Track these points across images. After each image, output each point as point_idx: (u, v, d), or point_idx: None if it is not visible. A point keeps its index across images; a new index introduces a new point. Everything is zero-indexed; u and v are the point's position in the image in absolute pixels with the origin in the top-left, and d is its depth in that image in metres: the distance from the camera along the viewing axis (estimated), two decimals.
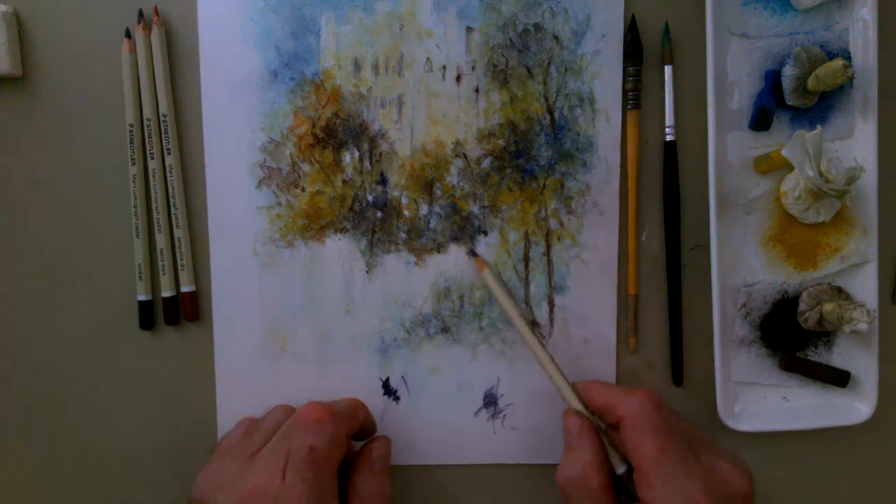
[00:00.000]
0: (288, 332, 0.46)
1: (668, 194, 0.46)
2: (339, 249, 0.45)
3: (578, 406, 0.42)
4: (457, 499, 0.47)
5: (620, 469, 0.40)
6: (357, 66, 0.45)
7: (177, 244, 0.45)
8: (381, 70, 0.45)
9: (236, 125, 0.45)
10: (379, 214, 0.45)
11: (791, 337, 0.46)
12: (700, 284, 0.46)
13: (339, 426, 0.40)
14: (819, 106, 0.45)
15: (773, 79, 0.44)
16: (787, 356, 0.46)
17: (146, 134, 0.44)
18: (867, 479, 0.48)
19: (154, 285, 0.45)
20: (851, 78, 0.42)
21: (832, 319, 0.44)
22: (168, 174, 0.44)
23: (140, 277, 0.45)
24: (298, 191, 0.45)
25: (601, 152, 0.45)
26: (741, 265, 0.45)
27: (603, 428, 0.41)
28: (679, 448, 0.38)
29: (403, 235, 0.45)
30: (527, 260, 0.46)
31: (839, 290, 0.45)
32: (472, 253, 0.45)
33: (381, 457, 0.43)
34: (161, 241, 0.45)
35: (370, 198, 0.45)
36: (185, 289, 0.45)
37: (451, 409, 0.46)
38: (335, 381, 0.46)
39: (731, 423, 0.45)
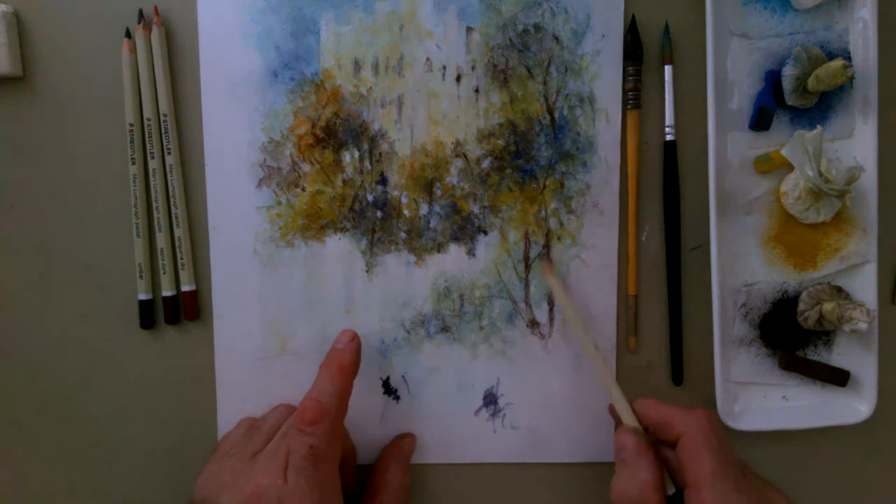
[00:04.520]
0: (288, 332, 0.46)
1: (668, 194, 0.46)
2: (339, 249, 0.45)
3: (633, 421, 0.42)
4: (457, 498, 0.47)
5: (671, 490, 0.40)
6: (357, 66, 0.45)
7: (177, 243, 0.45)
8: (381, 70, 0.45)
9: (236, 125, 0.45)
10: (379, 214, 0.45)
11: (791, 336, 0.46)
12: (700, 284, 0.46)
13: (336, 418, 0.40)
14: (819, 106, 0.45)
15: (773, 79, 0.44)
16: (786, 355, 0.46)
17: (146, 134, 0.44)
18: (867, 478, 0.49)
19: (154, 284, 0.45)
20: (851, 78, 0.42)
21: (832, 319, 0.44)
22: (168, 174, 0.44)
23: (140, 277, 0.45)
24: (298, 190, 0.45)
25: (601, 152, 0.45)
26: (741, 265, 0.45)
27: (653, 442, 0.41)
28: (734, 471, 0.38)
29: (403, 235, 0.45)
30: (527, 260, 0.46)
31: (839, 289, 0.45)
32: (544, 257, 0.45)
33: (409, 452, 0.46)
34: (161, 240, 0.45)
35: (370, 198, 0.45)
36: (185, 288, 0.45)
37: (451, 408, 0.46)
38: None
39: (730, 423, 0.45)
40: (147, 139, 0.44)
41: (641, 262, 0.46)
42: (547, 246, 0.46)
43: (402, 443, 0.45)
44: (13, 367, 0.46)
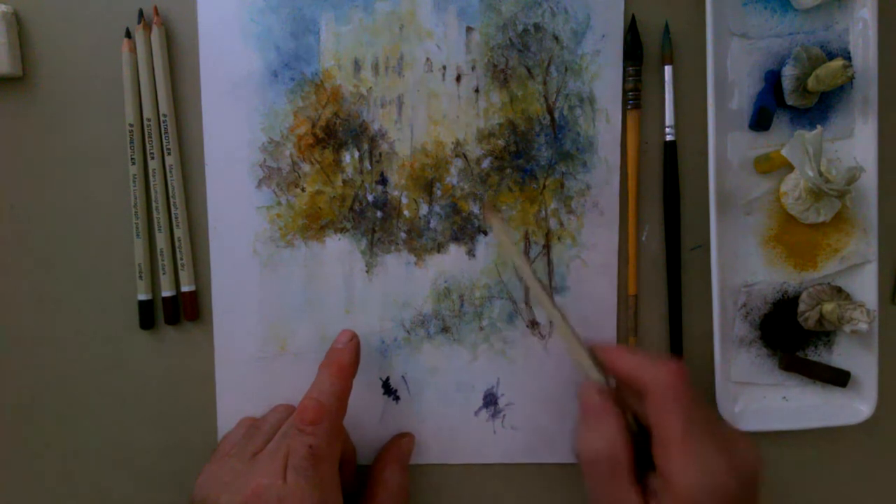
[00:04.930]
0: (288, 332, 0.46)
1: (668, 194, 0.46)
2: (339, 249, 0.45)
3: (598, 377, 0.41)
4: (456, 498, 0.47)
5: (632, 429, 0.39)
6: (357, 66, 0.45)
7: (177, 244, 0.45)
8: (381, 70, 0.45)
9: (236, 125, 0.45)
10: (379, 214, 0.45)
11: (791, 337, 0.46)
12: (700, 284, 0.46)
13: (336, 418, 0.40)
14: (819, 106, 0.45)
15: (773, 79, 0.44)
16: (787, 356, 0.46)
17: (146, 134, 0.44)
18: (867, 478, 0.48)
19: (154, 285, 0.45)
20: (851, 78, 0.42)
21: (832, 319, 0.44)
22: (168, 174, 0.44)
23: (140, 277, 0.45)
24: (298, 190, 0.45)
25: (601, 152, 0.45)
26: (741, 265, 0.45)
27: (613, 386, 0.41)
28: (703, 422, 0.37)
29: (403, 235, 0.45)
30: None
31: (839, 290, 0.45)
32: (488, 204, 0.44)
33: (408, 452, 0.45)
34: (161, 240, 0.45)
35: (370, 198, 0.45)
36: (185, 288, 0.45)
37: (451, 408, 0.46)
38: None
39: (731, 423, 0.45)
40: (147, 139, 0.44)
41: (641, 262, 0.46)
42: (547, 246, 0.46)
43: (401, 442, 0.45)
44: (13, 367, 0.46)
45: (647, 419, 0.39)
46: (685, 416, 0.37)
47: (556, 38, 0.45)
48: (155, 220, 0.45)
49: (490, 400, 0.47)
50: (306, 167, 0.45)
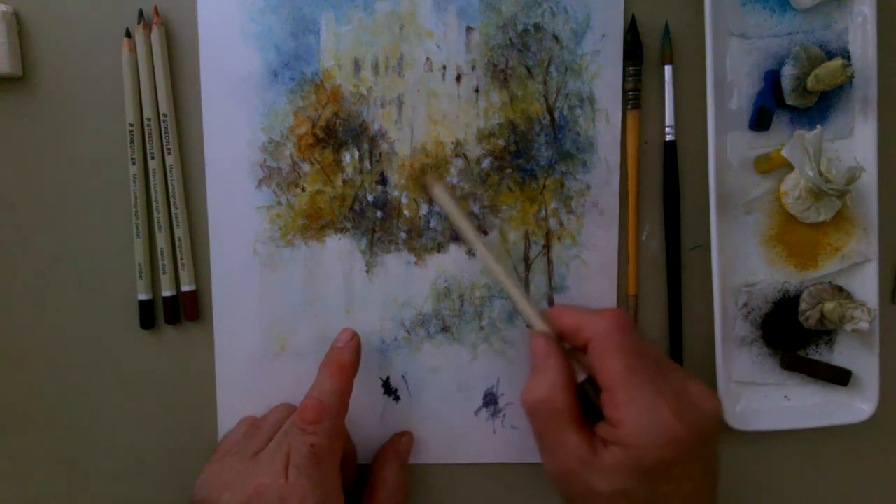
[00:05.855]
0: (288, 332, 0.45)
1: (668, 194, 0.46)
2: (339, 249, 0.45)
3: (543, 327, 0.41)
4: (456, 498, 0.47)
5: (581, 377, 0.39)
6: (357, 66, 0.45)
7: (177, 243, 0.45)
8: (381, 70, 0.45)
9: (236, 125, 0.45)
10: (379, 214, 0.45)
11: (792, 336, 0.46)
12: (700, 284, 0.46)
13: (337, 417, 0.40)
14: (819, 106, 0.45)
15: (772, 79, 0.44)
16: (788, 355, 0.46)
17: (146, 134, 0.44)
18: (868, 477, 0.48)
19: (154, 285, 0.45)
20: (851, 77, 0.42)
21: (833, 318, 0.44)
22: (168, 174, 0.44)
23: (140, 277, 0.45)
24: (298, 190, 0.45)
25: (601, 152, 0.45)
26: (741, 265, 0.45)
27: (568, 348, 0.40)
28: (647, 368, 0.37)
29: (403, 235, 0.45)
30: (527, 260, 0.46)
31: (840, 289, 0.45)
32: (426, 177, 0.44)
33: (407, 451, 0.45)
34: (161, 240, 0.45)
35: (370, 197, 0.45)
36: (185, 288, 0.45)
37: (451, 408, 0.46)
38: None
39: (732, 423, 0.45)
40: (147, 139, 0.44)
41: (641, 262, 0.46)
42: (547, 246, 0.46)
43: (400, 441, 0.45)
44: (13, 367, 0.45)
45: (593, 369, 0.38)
46: (625, 360, 0.37)
47: (556, 38, 0.45)
48: (155, 220, 0.45)
49: (490, 400, 0.46)
50: (306, 167, 0.45)
